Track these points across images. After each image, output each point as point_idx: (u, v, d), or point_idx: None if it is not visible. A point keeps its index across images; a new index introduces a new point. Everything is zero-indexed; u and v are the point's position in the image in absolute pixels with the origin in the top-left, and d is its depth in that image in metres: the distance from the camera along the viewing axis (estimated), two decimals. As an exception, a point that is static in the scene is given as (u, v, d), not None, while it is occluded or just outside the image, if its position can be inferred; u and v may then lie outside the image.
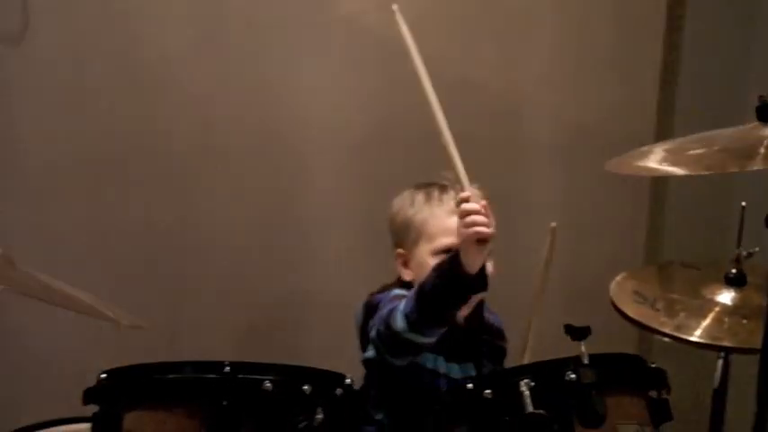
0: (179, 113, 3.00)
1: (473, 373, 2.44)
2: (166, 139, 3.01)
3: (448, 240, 2.34)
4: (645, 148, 2.22)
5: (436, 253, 2.36)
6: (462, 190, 2.17)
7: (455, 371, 2.42)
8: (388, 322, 2.19)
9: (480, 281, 2.13)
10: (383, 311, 2.25)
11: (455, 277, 2.09)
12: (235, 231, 3.11)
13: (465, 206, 2.11)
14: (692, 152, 2.06)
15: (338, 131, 3.08)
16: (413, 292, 2.17)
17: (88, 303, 2.05)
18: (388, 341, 2.20)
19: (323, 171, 3.11)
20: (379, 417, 2.40)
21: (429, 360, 2.37)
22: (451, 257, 2.11)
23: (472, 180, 2.28)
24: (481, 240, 2.08)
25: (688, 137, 2.12)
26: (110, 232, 3.03)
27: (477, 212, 2.09)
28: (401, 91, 3.03)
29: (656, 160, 2.14)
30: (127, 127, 2.98)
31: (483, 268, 2.12)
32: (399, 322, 2.15)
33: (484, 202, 2.12)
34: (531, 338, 2.47)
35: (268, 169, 3.09)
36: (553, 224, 2.33)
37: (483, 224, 2.08)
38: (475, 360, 2.46)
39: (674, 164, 2.12)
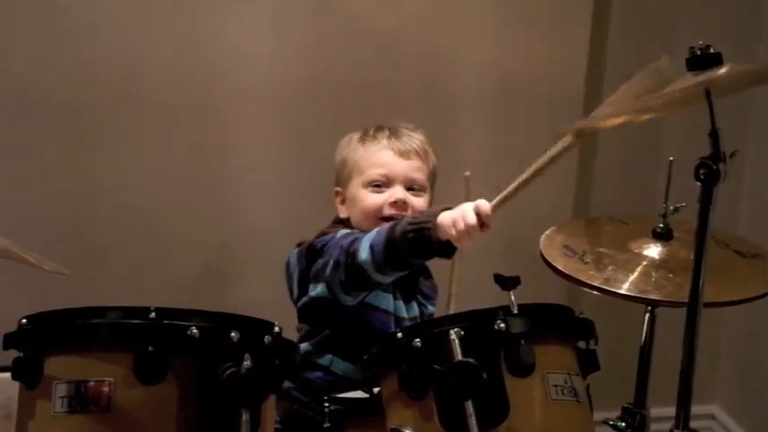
0: (103, 64, 2.93)
1: (416, 311, 2.47)
2: (90, 89, 2.93)
3: (377, 172, 2.41)
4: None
5: (366, 185, 2.42)
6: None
7: (401, 310, 2.43)
8: (350, 251, 2.20)
9: (448, 247, 2.15)
10: (344, 242, 2.26)
11: (426, 236, 2.10)
12: (161, 185, 3.06)
13: (483, 209, 2.08)
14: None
15: (266, 84, 3.03)
16: (385, 227, 2.18)
17: (4, 247, 2.00)
18: (347, 272, 2.22)
19: (250, 124, 3.07)
20: (325, 362, 2.40)
21: (383, 300, 2.39)
22: (432, 216, 2.11)
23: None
24: None
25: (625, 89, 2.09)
26: (32, 185, 2.97)
27: (486, 226, 2.08)
28: (332, 44, 3.03)
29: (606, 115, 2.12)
30: (49, 76, 2.90)
31: None
32: (364, 252, 2.17)
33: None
34: (455, 286, 2.50)
35: (194, 122, 3.04)
36: (467, 173, 2.34)
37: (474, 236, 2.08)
38: (416, 300, 2.48)
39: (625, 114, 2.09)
